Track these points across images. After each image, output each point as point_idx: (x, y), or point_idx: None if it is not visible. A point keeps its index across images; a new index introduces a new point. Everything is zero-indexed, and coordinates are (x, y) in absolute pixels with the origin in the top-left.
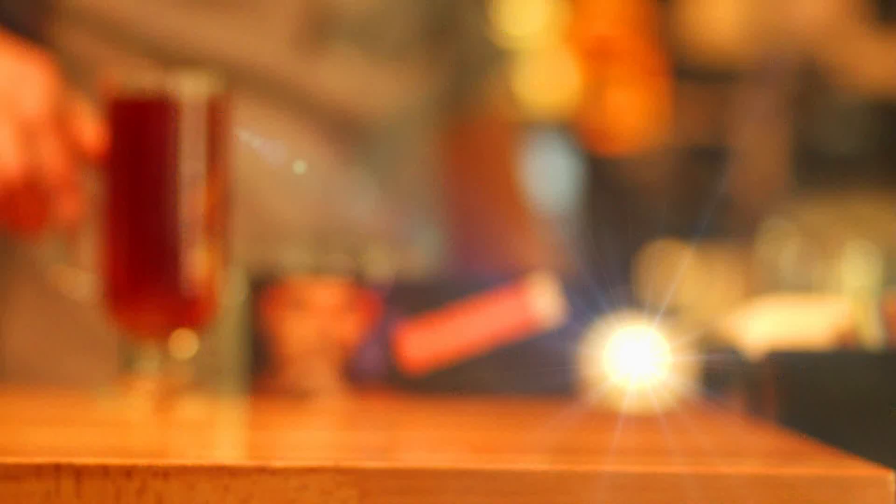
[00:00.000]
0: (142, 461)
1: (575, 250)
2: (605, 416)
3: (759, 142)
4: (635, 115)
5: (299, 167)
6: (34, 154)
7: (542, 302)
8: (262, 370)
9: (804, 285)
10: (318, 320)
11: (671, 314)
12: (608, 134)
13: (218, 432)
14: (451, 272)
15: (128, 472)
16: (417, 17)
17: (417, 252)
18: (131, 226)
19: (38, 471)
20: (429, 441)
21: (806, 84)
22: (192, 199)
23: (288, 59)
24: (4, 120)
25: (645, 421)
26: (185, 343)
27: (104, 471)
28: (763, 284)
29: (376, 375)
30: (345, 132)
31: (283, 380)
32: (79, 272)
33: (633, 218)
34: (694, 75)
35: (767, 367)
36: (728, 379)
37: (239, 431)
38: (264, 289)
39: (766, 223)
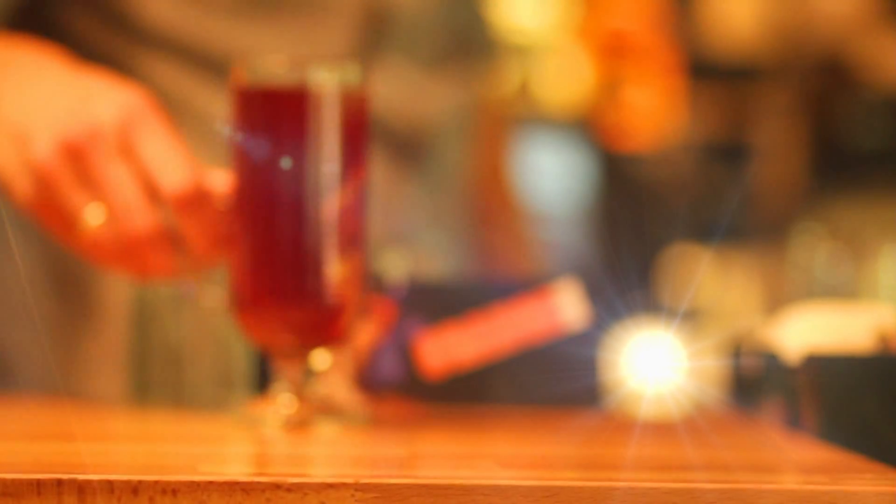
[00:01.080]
0: (149, 477)
1: (592, 251)
2: (633, 427)
3: (780, 140)
4: (652, 111)
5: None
6: (161, 206)
7: (569, 308)
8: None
9: (837, 289)
10: None
11: (693, 318)
12: (625, 131)
13: (229, 447)
14: (471, 276)
15: (134, 488)
16: (451, 25)
17: (450, 256)
18: (263, 232)
19: (39, 487)
20: (452, 455)
21: (827, 81)
22: (329, 201)
23: None
24: (126, 169)
25: (676, 433)
26: (318, 358)
27: (109, 487)
28: (793, 288)
29: (393, 384)
30: (398, 140)
31: None
32: (208, 283)
33: (652, 218)
34: (713, 72)
35: (806, 373)
36: (763, 387)
37: (251, 446)
38: None
39: (795, 224)
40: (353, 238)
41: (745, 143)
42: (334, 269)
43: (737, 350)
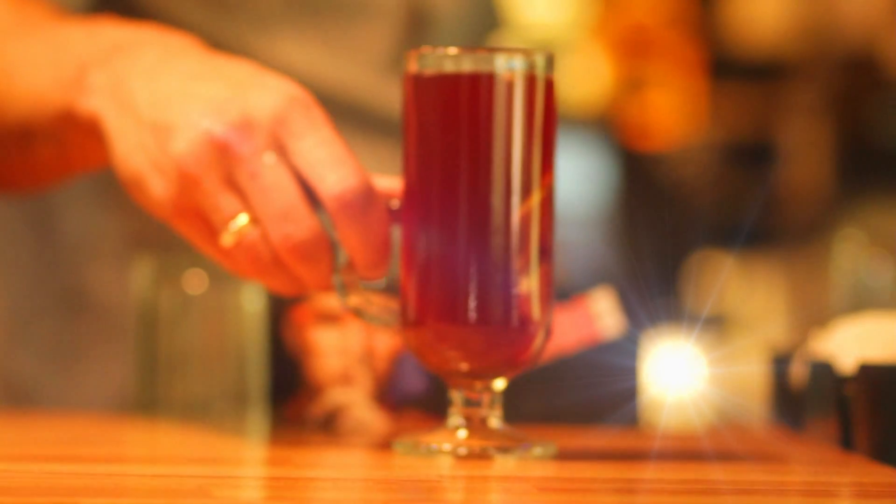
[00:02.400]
0: (158, 502)
1: (613, 254)
2: (672, 447)
3: (807, 140)
4: (674, 110)
5: None
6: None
7: (606, 318)
8: (291, 396)
9: (878, 294)
10: (353, 334)
11: (722, 326)
12: (646, 130)
13: (243, 469)
14: None
15: None
16: (482, 26)
17: None
18: (441, 242)
19: None
20: (486, 478)
21: (856, 78)
22: (514, 205)
23: (376, 80)
24: (284, 169)
25: (719, 453)
26: (495, 384)
27: None
28: (827, 293)
29: (416, 398)
30: None
31: (314, 407)
32: (372, 297)
33: (675, 221)
34: (737, 69)
35: (860, 384)
36: (811, 402)
37: (267, 468)
38: (290, 302)
39: (824, 227)
40: (542, 249)
41: (771, 143)
42: (523, 286)
43: (781, 360)
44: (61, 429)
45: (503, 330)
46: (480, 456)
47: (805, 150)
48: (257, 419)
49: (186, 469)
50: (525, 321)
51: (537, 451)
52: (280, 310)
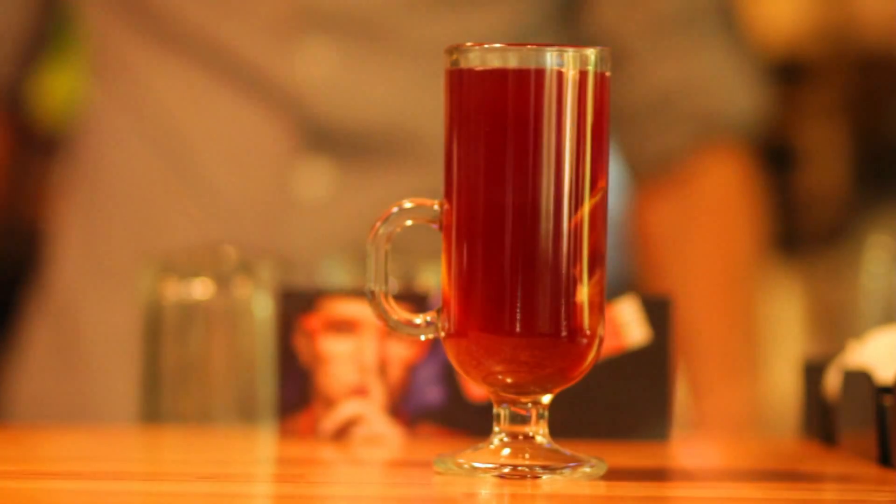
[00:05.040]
0: None
1: (628, 260)
2: (700, 462)
3: (824, 142)
4: None
5: None
6: None
7: (631, 327)
8: (302, 408)
9: None
10: (367, 344)
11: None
12: None
13: (253, 486)
14: None
15: None
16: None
17: None
18: (488, 248)
19: None
20: (511, 496)
21: (876, 79)
22: (565, 208)
23: (267, 47)
24: None
25: (745, 469)
26: (543, 399)
27: None
28: (853, 300)
29: (433, 410)
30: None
31: (327, 419)
32: (400, 307)
33: None
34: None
35: None
36: (845, 415)
37: (278, 485)
38: (301, 310)
39: (846, 232)
40: (596, 256)
41: (789, 146)
42: (575, 295)
43: (813, 370)
44: (62, 444)
45: (553, 342)
46: (524, 475)
47: (823, 152)
48: (267, 433)
49: (193, 487)
50: (576, 332)
51: (586, 469)
52: (291, 317)
